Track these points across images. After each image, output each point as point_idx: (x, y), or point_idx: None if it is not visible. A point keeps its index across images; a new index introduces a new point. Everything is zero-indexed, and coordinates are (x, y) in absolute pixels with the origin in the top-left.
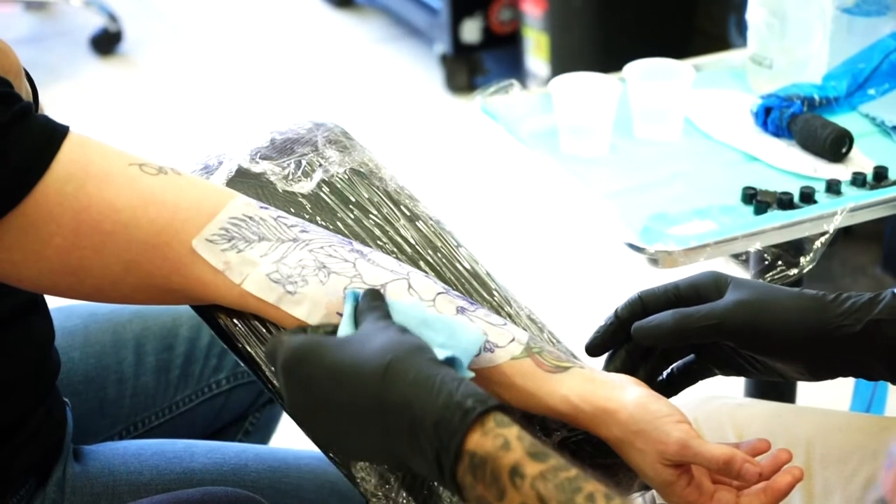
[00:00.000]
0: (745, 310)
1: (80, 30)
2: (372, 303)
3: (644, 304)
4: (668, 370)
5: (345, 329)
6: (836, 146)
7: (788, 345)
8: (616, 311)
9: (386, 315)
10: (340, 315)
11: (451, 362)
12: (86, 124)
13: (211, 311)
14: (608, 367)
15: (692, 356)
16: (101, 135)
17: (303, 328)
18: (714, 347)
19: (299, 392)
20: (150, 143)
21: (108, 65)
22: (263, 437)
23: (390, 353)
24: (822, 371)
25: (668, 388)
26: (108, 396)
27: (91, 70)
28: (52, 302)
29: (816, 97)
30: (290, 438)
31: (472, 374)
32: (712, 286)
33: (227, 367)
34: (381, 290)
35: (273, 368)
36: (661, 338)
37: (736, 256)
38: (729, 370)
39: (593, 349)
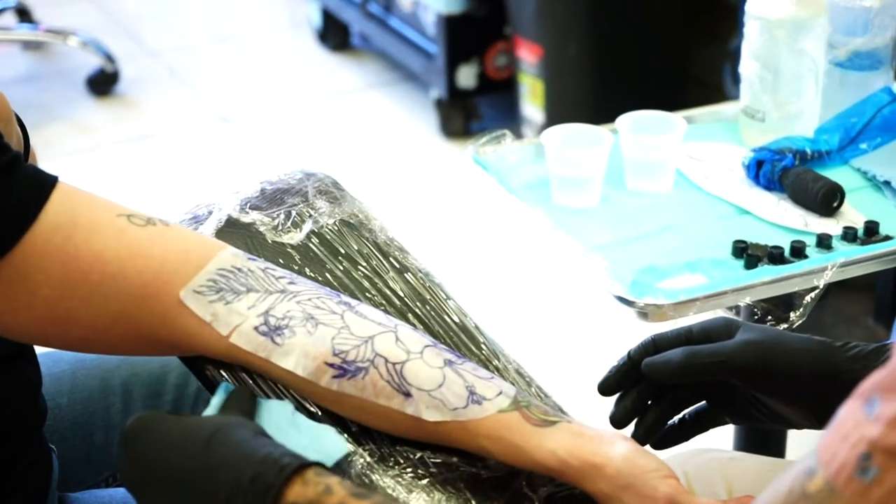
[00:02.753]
0: (753, 349)
1: (76, 70)
2: (238, 403)
3: (656, 346)
4: (680, 416)
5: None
6: (827, 200)
7: (795, 386)
8: (629, 352)
9: (243, 414)
10: (328, 365)
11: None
12: (80, 165)
13: (198, 363)
14: (618, 406)
15: (704, 402)
16: (95, 175)
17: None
18: (724, 392)
19: (131, 463)
20: (143, 184)
21: (105, 105)
22: None
23: (218, 424)
24: (826, 417)
25: (679, 434)
26: (96, 443)
27: (87, 110)
28: (40, 348)
29: (808, 151)
30: None
31: None
32: (723, 330)
33: None
34: (257, 392)
35: None
36: (669, 373)
37: (726, 310)
38: (738, 417)
39: (605, 389)
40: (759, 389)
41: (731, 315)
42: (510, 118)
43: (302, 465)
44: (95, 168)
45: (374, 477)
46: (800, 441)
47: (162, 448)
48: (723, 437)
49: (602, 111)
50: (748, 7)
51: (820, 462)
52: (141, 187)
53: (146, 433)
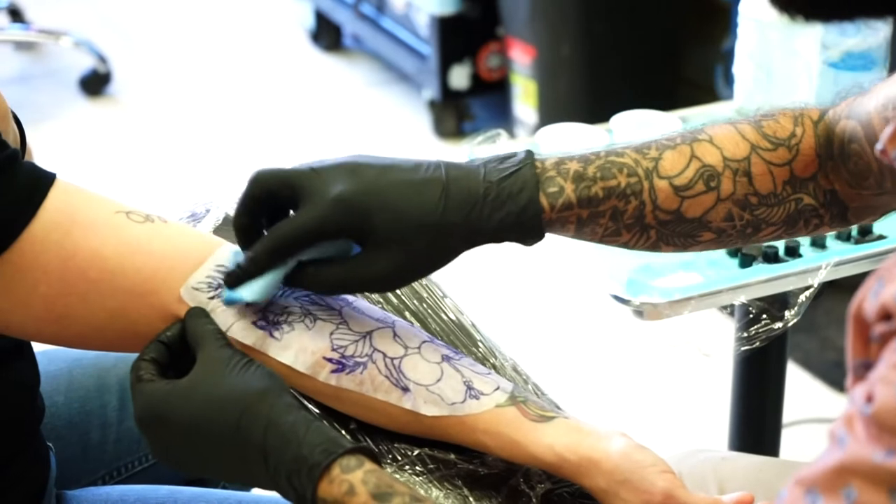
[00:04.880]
0: (395, 277)
1: (69, 70)
2: (206, 323)
3: (289, 246)
4: None
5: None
6: None
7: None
8: (258, 259)
9: (223, 338)
10: (327, 360)
11: None
12: (73, 165)
13: None
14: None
15: None
16: (88, 176)
17: (152, 359)
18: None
19: (161, 444)
20: (137, 185)
21: (97, 105)
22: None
23: (241, 404)
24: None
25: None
26: (92, 441)
27: (79, 111)
28: (37, 346)
29: None
30: None
31: None
32: (356, 229)
33: None
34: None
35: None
36: (312, 291)
37: (721, 308)
38: None
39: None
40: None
41: (718, 314)
42: (503, 119)
43: (329, 462)
44: (88, 168)
45: None
46: (794, 442)
47: (191, 436)
48: (716, 436)
49: (594, 112)
50: (742, 8)
51: None
52: (134, 188)
53: (165, 420)
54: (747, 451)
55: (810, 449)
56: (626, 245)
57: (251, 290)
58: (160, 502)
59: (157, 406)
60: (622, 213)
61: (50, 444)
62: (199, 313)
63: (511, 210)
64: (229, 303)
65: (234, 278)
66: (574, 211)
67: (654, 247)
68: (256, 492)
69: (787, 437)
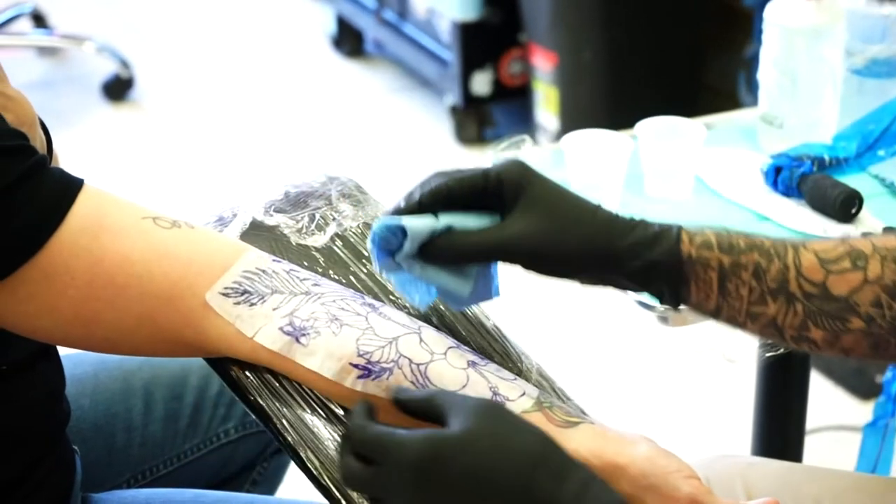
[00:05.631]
0: (533, 241)
1: (92, 76)
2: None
3: (450, 192)
4: None
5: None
6: (845, 207)
7: (567, 271)
8: (420, 197)
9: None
10: (353, 366)
11: None
12: (96, 171)
13: (223, 364)
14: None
15: None
16: (111, 181)
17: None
18: None
19: (437, 496)
20: (160, 189)
21: (120, 111)
22: (271, 487)
23: (531, 460)
24: (587, 283)
25: None
26: (117, 444)
27: (102, 116)
28: (62, 350)
29: (826, 157)
30: (297, 488)
31: None
32: (513, 186)
33: (235, 417)
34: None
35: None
36: (451, 258)
37: None
38: None
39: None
40: (532, 271)
41: None
42: (524, 125)
43: None
44: (111, 174)
45: None
46: (815, 449)
47: (475, 485)
48: (740, 442)
49: (615, 118)
50: (767, 14)
51: None
52: (158, 192)
53: (447, 467)
54: (771, 457)
55: (832, 456)
56: (773, 322)
57: (408, 220)
58: None
59: (438, 454)
60: (765, 271)
61: (75, 448)
62: (364, 410)
63: (648, 232)
64: (384, 228)
65: (392, 213)
66: (714, 253)
67: (802, 327)
68: (280, 496)
69: (809, 445)
